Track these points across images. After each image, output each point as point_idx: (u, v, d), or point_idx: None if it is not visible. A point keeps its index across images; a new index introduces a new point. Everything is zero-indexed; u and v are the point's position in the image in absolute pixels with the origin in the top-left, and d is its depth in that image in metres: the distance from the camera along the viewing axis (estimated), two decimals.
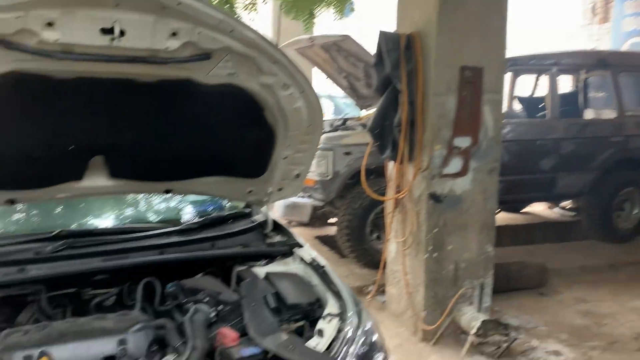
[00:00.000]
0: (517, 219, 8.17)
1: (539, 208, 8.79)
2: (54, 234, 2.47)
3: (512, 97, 7.74)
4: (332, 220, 7.02)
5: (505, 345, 3.91)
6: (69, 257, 2.36)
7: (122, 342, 2.07)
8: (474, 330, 3.99)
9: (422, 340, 4.41)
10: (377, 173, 5.45)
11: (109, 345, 2.05)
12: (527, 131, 6.60)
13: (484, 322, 4.01)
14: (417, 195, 4.31)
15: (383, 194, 4.81)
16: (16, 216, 2.85)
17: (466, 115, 4.17)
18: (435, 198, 4.21)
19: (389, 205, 4.69)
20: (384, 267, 4.83)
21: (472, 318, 4.12)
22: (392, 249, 4.75)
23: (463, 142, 4.22)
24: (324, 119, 2.61)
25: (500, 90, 4.42)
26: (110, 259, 2.40)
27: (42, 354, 1.93)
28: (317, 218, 7.03)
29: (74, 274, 2.30)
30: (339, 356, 2.02)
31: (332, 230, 6.97)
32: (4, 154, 2.16)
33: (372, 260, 5.97)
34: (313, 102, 2.44)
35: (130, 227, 2.84)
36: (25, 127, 2.12)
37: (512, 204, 7.78)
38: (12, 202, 2.28)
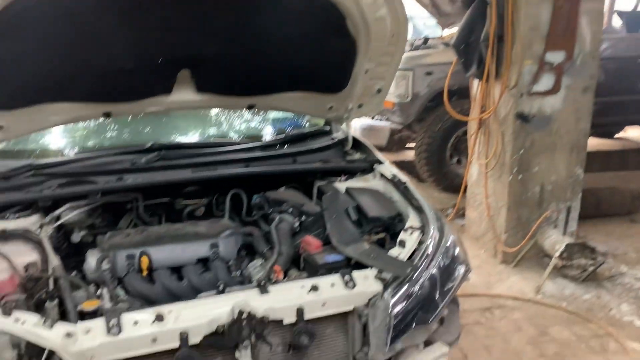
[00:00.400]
0: (609, 145, 7.68)
1: (633, 133, 8.19)
2: (147, 146, 2.61)
3: (611, 11, 7.06)
4: (410, 144, 6.91)
5: (591, 268, 3.79)
6: (162, 168, 2.48)
7: (214, 245, 2.20)
8: (558, 253, 3.88)
9: (502, 262, 4.37)
10: (459, 94, 5.25)
11: (202, 248, 2.18)
12: (628, 48, 6.04)
13: (568, 245, 3.89)
14: (503, 115, 4.12)
15: (466, 116, 4.64)
16: (111, 132, 3.03)
17: (561, 27, 3.85)
18: (522, 118, 4.01)
19: (472, 126, 4.53)
20: (465, 190, 4.74)
21: (556, 241, 4.00)
22: (473, 171, 4.63)
23: (556, 57, 3.93)
24: (408, 29, 2.50)
25: None
26: (200, 170, 2.50)
27: (142, 253, 2.10)
28: (394, 142, 6.94)
29: (167, 183, 2.43)
30: (420, 266, 2.03)
31: (409, 155, 6.89)
32: (98, 67, 2.26)
33: (451, 184, 5.88)
34: (398, 10, 2.33)
35: (217, 142, 2.94)
36: (116, 40, 2.19)
37: (605, 128, 7.28)
38: (107, 115, 2.41)
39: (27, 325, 1.63)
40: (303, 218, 2.40)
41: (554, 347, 3.28)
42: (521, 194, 4.20)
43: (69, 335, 1.61)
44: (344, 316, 1.95)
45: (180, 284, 2.03)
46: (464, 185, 4.71)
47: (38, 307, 1.78)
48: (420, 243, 2.17)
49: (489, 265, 4.37)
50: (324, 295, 1.88)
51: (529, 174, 4.17)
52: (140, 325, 1.67)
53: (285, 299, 1.84)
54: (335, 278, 1.94)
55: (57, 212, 2.25)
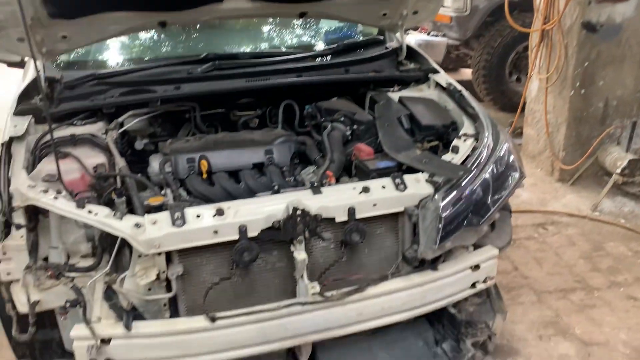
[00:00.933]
0: None
1: None
2: (202, 56, 2.65)
3: None
4: (468, 62, 6.66)
5: None
6: (217, 77, 2.53)
7: (268, 152, 2.27)
8: (619, 169, 3.76)
9: (559, 180, 4.27)
10: (521, 7, 4.96)
11: (257, 154, 2.25)
12: None
13: (631, 161, 3.75)
14: (568, 25, 3.88)
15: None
16: (167, 45, 3.09)
17: None
18: (589, 27, 3.77)
19: (534, 39, 4.30)
20: (523, 108, 4.59)
21: (618, 158, 3.86)
22: (533, 87, 4.45)
23: None
24: None
25: None
26: (253, 80, 2.54)
27: (201, 157, 2.19)
28: (451, 60, 6.70)
29: (222, 92, 2.48)
30: (472, 171, 2.04)
31: (466, 74, 6.66)
32: None
33: (510, 102, 5.69)
34: None
35: (270, 52, 2.95)
36: None
37: None
38: (163, 24, 2.44)
39: (100, 216, 1.77)
40: (355, 127, 2.42)
41: (608, 262, 3.25)
42: (583, 110, 4.03)
43: (137, 225, 1.74)
44: (394, 217, 2.01)
45: (238, 186, 2.13)
46: (522, 102, 4.56)
47: (107, 204, 1.91)
48: (474, 150, 2.16)
49: (545, 184, 4.29)
50: (374, 196, 1.92)
51: (593, 88, 3.97)
52: (203, 218, 1.78)
53: (337, 198, 1.90)
54: (386, 181, 1.98)
55: (120, 119, 2.36)
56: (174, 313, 1.88)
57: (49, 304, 1.88)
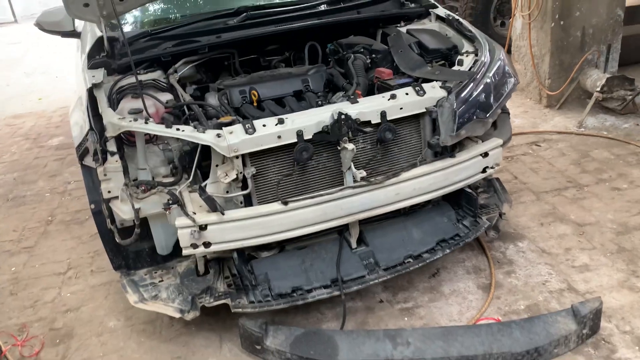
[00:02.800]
0: None
1: None
2: (235, 9, 3.09)
3: None
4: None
5: (630, 97, 4.14)
6: (250, 25, 2.96)
7: (304, 81, 2.72)
8: (599, 88, 4.23)
9: (547, 106, 4.76)
10: None
11: (296, 83, 2.70)
12: None
13: (609, 78, 4.23)
14: None
15: None
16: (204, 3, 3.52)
17: None
18: None
19: None
20: (509, 50, 5.04)
21: (597, 78, 4.34)
22: (517, 25, 4.90)
23: None
24: None
25: None
26: (280, 25, 2.97)
27: (251, 88, 2.64)
28: None
29: (255, 36, 2.90)
30: (476, 75, 2.49)
31: None
32: None
33: None
34: None
35: (293, 0, 3.38)
36: None
37: None
38: None
39: (187, 132, 2.22)
40: (373, 55, 2.87)
41: (594, 165, 3.75)
42: (563, 40, 4.49)
43: (218, 135, 2.19)
44: (416, 118, 2.47)
45: (284, 110, 2.58)
46: (507, 43, 5.01)
47: None
48: (475, 62, 2.62)
49: (535, 110, 4.78)
50: (400, 101, 2.38)
51: (571, 19, 4.43)
52: (268, 127, 2.24)
53: (371, 105, 2.36)
54: (408, 89, 2.44)
55: (177, 65, 2.80)
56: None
57: (146, 211, 2.33)
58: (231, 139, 2.18)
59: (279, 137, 2.24)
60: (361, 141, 2.38)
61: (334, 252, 2.42)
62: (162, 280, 2.48)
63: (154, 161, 2.46)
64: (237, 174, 2.24)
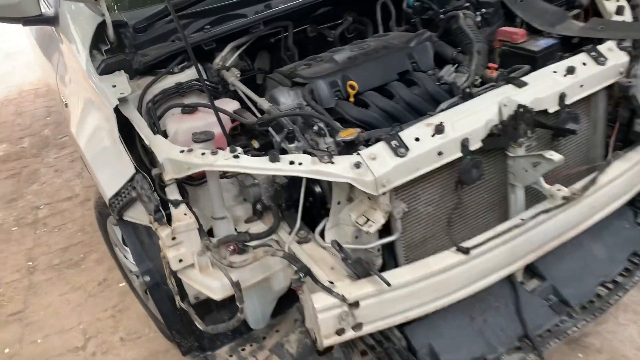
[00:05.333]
0: None
1: None
2: None
3: None
4: None
5: None
6: None
7: (410, 56, 1.95)
8: None
9: None
10: None
11: (400, 61, 1.93)
12: None
13: None
14: None
15: None
16: None
17: None
18: None
19: None
20: None
21: None
22: None
23: None
24: None
25: None
26: None
27: (345, 78, 1.85)
28: None
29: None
30: None
31: None
32: None
33: None
34: None
35: None
36: None
37: None
38: None
39: (306, 165, 1.44)
40: (483, 11, 2.13)
41: None
42: None
43: (357, 165, 1.42)
44: (587, 98, 1.79)
45: (394, 104, 1.82)
46: None
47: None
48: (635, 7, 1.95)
49: None
50: (580, 75, 1.69)
51: None
52: (422, 140, 1.49)
53: (546, 87, 1.65)
54: (584, 57, 1.74)
55: (224, 52, 1.95)
56: (388, 258, 1.62)
57: (246, 282, 1.57)
58: (377, 168, 1.42)
59: (440, 153, 1.50)
60: (534, 141, 1.68)
61: (505, 297, 1.74)
62: None
63: (225, 199, 1.67)
64: (384, 216, 1.49)
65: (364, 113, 1.78)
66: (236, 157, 1.46)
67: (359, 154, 1.45)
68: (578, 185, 1.66)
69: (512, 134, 1.58)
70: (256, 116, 1.78)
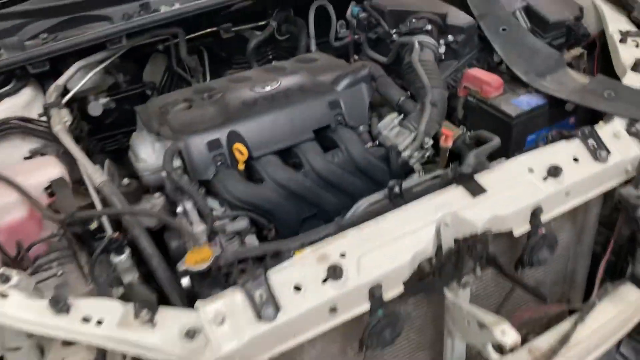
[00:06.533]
0: None
1: None
2: None
3: None
4: None
5: None
6: None
7: (333, 104, 1.36)
8: None
9: None
10: None
11: (318, 111, 1.34)
12: None
13: None
14: None
15: None
16: None
17: None
18: None
19: None
20: None
21: None
22: None
23: None
24: None
25: None
26: None
27: (232, 136, 1.26)
28: None
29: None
30: None
31: None
32: None
33: None
34: None
35: None
36: None
37: None
38: None
39: (107, 327, 0.88)
40: (449, 39, 1.52)
41: None
42: None
43: (189, 334, 0.88)
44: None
45: (301, 178, 1.25)
46: None
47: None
48: None
49: None
50: (567, 181, 1.12)
51: None
52: (306, 290, 0.94)
53: (514, 198, 1.09)
54: (575, 147, 1.17)
55: (62, 79, 1.34)
56: None
57: None
58: (224, 341, 0.88)
59: (334, 309, 0.96)
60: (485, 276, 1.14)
61: None
62: None
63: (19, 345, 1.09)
64: None
65: (255, 192, 1.22)
66: (3, 296, 0.90)
67: (197, 309, 0.90)
68: (544, 342, 1.13)
69: (451, 274, 1.03)
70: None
